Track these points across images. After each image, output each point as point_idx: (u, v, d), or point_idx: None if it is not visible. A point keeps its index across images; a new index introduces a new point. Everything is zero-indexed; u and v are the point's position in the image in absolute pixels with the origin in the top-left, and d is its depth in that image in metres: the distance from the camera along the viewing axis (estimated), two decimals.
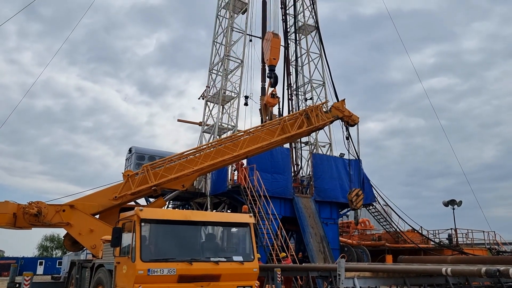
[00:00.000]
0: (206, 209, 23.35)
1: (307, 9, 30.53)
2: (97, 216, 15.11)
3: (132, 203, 16.56)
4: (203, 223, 10.10)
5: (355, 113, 18.37)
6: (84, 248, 16.58)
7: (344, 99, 18.93)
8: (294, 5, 30.61)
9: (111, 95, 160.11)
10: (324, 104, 18.90)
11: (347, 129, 18.88)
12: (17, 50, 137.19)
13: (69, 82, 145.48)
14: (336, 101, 21.18)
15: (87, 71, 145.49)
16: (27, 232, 15.53)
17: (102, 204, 14.99)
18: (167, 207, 24.94)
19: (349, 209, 22.94)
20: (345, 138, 18.90)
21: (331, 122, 18.51)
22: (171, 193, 22.51)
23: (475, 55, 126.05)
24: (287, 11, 30.17)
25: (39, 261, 50.98)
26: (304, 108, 23.89)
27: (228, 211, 24.17)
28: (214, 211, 23.94)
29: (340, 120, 18.40)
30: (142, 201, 20.34)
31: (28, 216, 13.75)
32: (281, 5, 29.74)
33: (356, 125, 18.57)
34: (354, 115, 18.47)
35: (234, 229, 10.66)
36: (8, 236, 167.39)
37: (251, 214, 10.94)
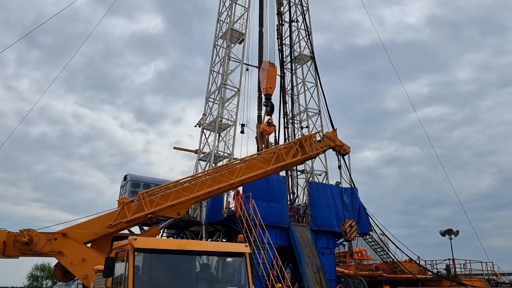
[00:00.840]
0: (201, 238, 23.03)
1: (303, 39, 31.24)
2: (89, 245, 14.84)
3: (126, 231, 16.33)
4: (198, 252, 9.92)
5: (350, 141, 18.71)
6: (76, 278, 16.19)
7: (336, 129, 19.32)
8: (290, 35, 31.27)
9: (108, 122, 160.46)
10: (318, 133, 19.20)
11: (341, 158, 19.18)
12: (15, 77, 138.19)
13: (66, 109, 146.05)
14: (332, 129, 21.40)
15: (85, 98, 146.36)
16: (16, 261, 15.18)
17: (95, 232, 14.75)
18: (161, 235, 24.57)
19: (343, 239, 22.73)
20: (337, 167, 19.31)
21: (324, 151, 18.85)
22: (165, 222, 22.27)
23: (468, 85, 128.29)
24: (283, 41, 30.85)
25: None
26: (299, 136, 24.07)
27: (224, 240, 23.84)
28: (209, 240, 23.61)
29: (332, 150, 18.72)
30: (136, 229, 20.07)
31: (19, 244, 13.46)
32: (278, 35, 30.40)
33: (348, 155, 18.86)
34: (346, 145, 18.84)
35: (229, 259, 10.48)
36: None
37: (247, 244, 10.76)
